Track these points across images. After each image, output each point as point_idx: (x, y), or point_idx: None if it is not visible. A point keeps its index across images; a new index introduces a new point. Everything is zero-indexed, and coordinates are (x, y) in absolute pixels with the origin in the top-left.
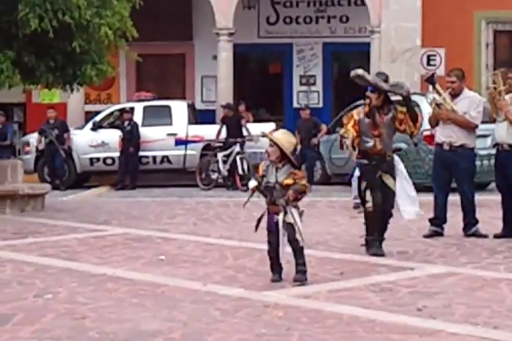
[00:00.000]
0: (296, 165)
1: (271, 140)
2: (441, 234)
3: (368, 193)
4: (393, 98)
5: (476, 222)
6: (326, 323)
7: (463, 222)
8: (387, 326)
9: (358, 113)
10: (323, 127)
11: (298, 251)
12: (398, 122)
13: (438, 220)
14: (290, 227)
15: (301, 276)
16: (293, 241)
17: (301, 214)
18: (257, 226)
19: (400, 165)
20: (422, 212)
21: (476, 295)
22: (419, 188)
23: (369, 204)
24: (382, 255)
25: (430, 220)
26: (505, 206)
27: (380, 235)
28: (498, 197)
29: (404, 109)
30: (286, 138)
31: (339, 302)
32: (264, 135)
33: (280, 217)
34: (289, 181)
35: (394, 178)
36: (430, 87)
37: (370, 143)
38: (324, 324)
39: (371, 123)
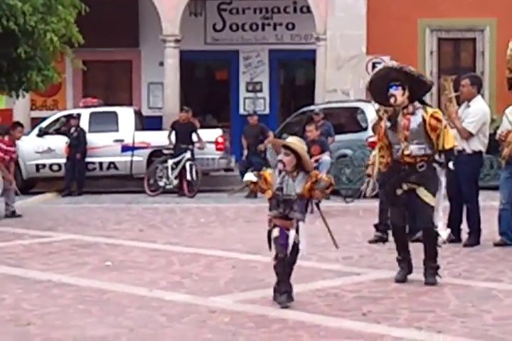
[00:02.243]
0: (310, 171)
1: (288, 147)
2: (386, 240)
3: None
4: None
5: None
6: (272, 328)
7: (408, 228)
8: (333, 331)
9: (384, 120)
10: (270, 133)
11: (288, 274)
12: (430, 128)
13: (383, 226)
14: (295, 248)
15: (286, 298)
16: (290, 264)
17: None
18: (270, 245)
19: (442, 177)
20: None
21: (420, 300)
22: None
23: (389, 222)
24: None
25: (375, 226)
26: (453, 213)
27: (433, 262)
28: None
29: (439, 115)
30: (300, 145)
31: (285, 307)
32: (275, 143)
33: (292, 234)
34: (307, 186)
35: (430, 190)
36: None
37: (398, 151)
38: (270, 329)
39: (393, 125)
